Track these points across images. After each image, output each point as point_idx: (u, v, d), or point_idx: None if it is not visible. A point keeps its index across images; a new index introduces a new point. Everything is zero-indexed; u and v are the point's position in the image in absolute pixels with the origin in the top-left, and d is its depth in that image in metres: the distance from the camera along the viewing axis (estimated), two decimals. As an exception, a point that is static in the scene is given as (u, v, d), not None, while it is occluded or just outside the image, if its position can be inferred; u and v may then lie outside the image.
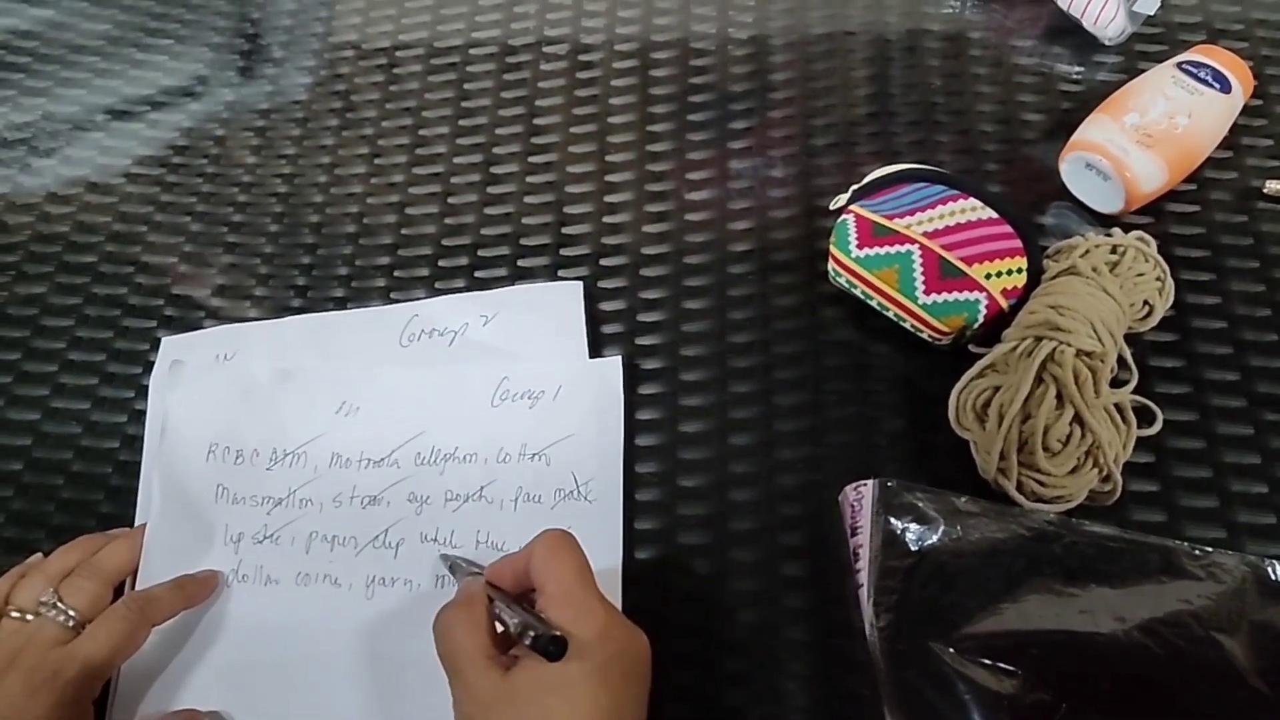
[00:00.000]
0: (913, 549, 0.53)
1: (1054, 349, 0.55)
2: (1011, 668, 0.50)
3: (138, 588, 0.57)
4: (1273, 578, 0.53)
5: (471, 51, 0.78)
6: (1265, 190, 0.65)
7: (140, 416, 0.65)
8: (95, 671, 0.52)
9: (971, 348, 0.60)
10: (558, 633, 0.45)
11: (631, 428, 0.62)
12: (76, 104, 0.78)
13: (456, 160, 0.73)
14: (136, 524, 0.61)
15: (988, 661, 0.50)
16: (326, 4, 0.82)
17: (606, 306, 0.66)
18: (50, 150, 0.76)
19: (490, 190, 0.72)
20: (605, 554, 0.57)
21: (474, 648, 0.47)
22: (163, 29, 0.82)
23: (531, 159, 0.73)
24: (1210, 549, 0.53)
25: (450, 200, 0.72)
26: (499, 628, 0.48)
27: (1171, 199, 0.66)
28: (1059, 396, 0.54)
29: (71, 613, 0.53)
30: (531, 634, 0.45)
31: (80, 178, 0.75)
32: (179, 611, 0.57)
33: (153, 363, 0.66)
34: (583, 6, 0.79)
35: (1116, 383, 0.57)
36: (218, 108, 0.78)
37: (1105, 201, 0.65)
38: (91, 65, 0.81)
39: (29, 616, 0.53)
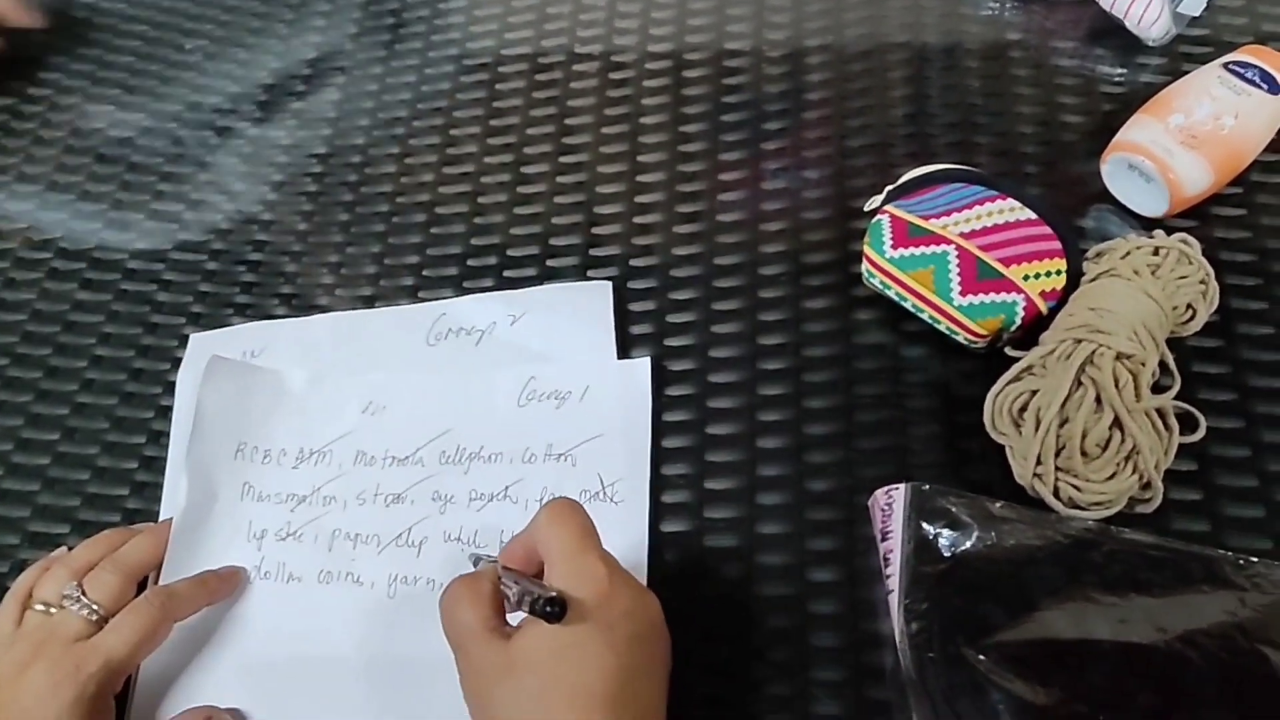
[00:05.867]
0: (945, 555, 0.52)
1: (1093, 351, 0.54)
2: (1046, 677, 0.48)
3: (161, 583, 0.57)
4: (1321, 590, 0.51)
5: (503, 53, 0.78)
6: (1314, 193, 0.64)
7: (167, 413, 0.65)
8: (117, 666, 0.52)
9: (1008, 351, 0.58)
10: (555, 594, 0.44)
11: (659, 429, 0.61)
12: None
13: (487, 160, 0.73)
14: (161, 520, 0.60)
15: (1022, 671, 0.48)
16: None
17: (636, 307, 0.65)
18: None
19: (520, 190, 0.71)
20: (630, 556, 0.56)
21: (476, 620, 0.46)
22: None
23: (562, 159, 0.72)
24: (1255, 559, 0.52)
25: (480, 200, 0.71)
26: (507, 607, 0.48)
27: (1217, 202, 0.64)
28: (1098, 400, 0.53)
29: (95, 606, 0.53)
30: (529, 598, 0.44)
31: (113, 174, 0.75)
32: (202, 607, 0.56)
33: (180, 360, 0.66)
34: (616, 11, 0.78)
35: (1158, 388, 0.55)
36: (249, 107, 0.78)
37: (1148, 204, 0.63)
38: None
39: (52, 610, 0.53)
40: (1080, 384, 0.54)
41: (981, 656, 0.49)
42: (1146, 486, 0.54)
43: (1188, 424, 0.56)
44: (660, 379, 0.62)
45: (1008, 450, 0.56)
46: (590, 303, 0.65)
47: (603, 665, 0.44)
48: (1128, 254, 0.58)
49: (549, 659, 0.44)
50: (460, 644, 0.47)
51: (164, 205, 0.74)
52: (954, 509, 0.53)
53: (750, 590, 0.56)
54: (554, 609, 0.44)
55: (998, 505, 0.53)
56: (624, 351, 0.63)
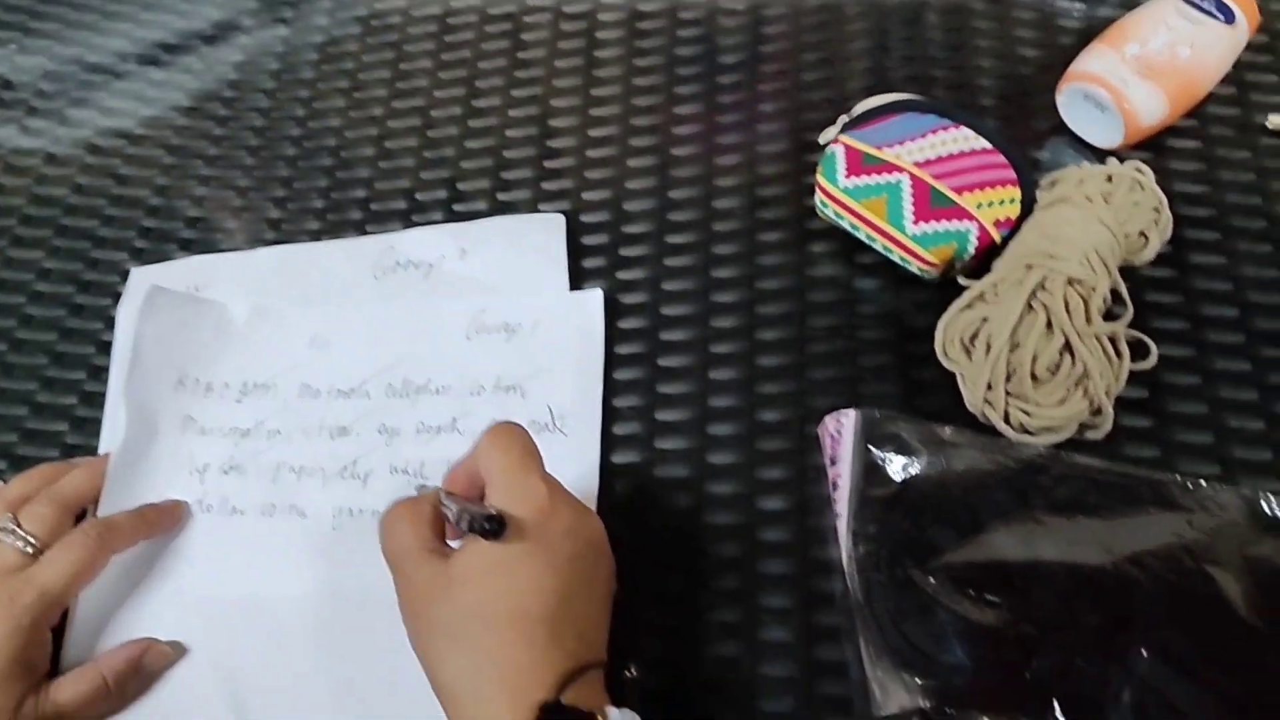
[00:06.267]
0: (894, 479, 0.51)
1: (1044, 277, 0.53)
2: (994, 598, 0.48)
3: (99, 516, 0.56)
4: (1267, 511, 0.51)
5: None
6: (1268, 125, 0.63)
7: (108, 348, 0.63)
8: (53, 598, 0.51)
9: (961, 280, 0.58)
10: (495, 512, 0.43)
11: (611, 362, 0.60)
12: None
13: (437, 94, 0.71)
14: (100, 454, 0.59)
15: (970, 592, 0.48)
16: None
17: (588, 240, 0.64)
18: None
19: (470, 124, 0.70)
20: (580, 487, 0.55)
21: (415, 540, 0.45)
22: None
23: (514, 92, 0.71)
24: (1203, 482, 0.51)
25: (430, 134, 0.70)
26: (449, 533, 0.47)
27: (1172, 135, 0.64)
28: (1048, 324, 0.53)
29: (30, 539, 0.52)
30: (468, 516, 0.43)
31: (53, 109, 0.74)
32: (141, 540, 0.55)
33: (121, 295, 0.64)
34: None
35: (1111, 317, 0.55)
36: (193, 42, 0.76)
37: (1103, 135, 0.63)
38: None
39: (-14, 542, 0.52)
40: (1031, 309, 0.53)
41: (929, 578, 0.48)
42: (1097, 413, 0.54)
43: (1140, 352, 0.56)
44: (612, 312, 0.61)
45: (959, 377, 0.55)
46: (542, 235, 0.64)
47: (541, 583, 0.43)
48: (1081, 182, 0.57)
49: (487, 576, 0.43)
50: (399, 564, 0.46)
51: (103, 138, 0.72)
52: (903, 434, 0.52)
53: (700, 519, 0.55)
54: (492, 525, 0.43)
55: (947, 430, 0.53)
56: (576, 284, 0.62)
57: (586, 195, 0.66)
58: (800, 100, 0.68)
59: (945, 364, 0.56)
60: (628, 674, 0.47)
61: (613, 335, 0.61)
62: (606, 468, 0.57)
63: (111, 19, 0.78)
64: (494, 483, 0.46)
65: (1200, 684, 0.46)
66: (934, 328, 0.57)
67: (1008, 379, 0.53)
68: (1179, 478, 0.52)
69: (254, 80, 0.74)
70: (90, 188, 0.70)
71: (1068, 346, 0.52)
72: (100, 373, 0.62)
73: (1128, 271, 0.58)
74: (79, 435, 0.61)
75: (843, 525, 0.51)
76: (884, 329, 0.60)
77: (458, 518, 0.45)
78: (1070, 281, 0.53)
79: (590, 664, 0.44)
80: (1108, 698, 0.47)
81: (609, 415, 0.58)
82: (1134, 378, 0.55)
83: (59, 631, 0.53)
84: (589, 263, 0.64)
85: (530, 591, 0.43)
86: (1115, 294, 0.57)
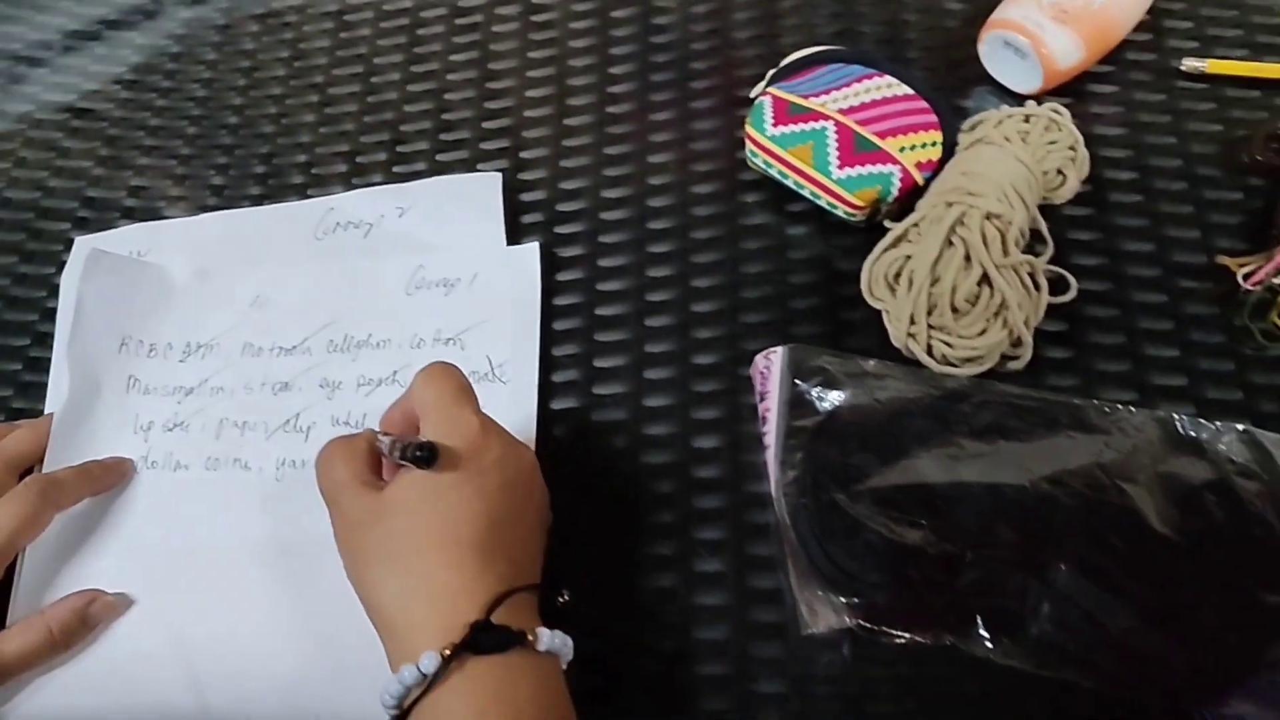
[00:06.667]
0: (819, 409, 0.53)
1: (963, 213, 0.55)
2: (917, 519, 0.49)
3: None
4: (1180, 431, 0.52)
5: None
6: (1183, 68, 0.65)
7: (52, 315, 0.64)
8: (-3, 551, 0.52)
9: (886, 224, 0.59)
10: (426, 441, 0.44)
11: (549, 313, 0.61)
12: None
13: (376, 61, 0.73)
14: (45, 415, 0.60)
15: (893, 513, 0.49)
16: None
17: (527, 197, 0.66)
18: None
19: (410, 88, 0.71)
20: (519, 431, 0.56)
21: (349, 474, 0.46)
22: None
23: (452, 57, 0.72)
24: (1119, 406, 0.53)
25: (370, 99, 0.71)
26: (385, 471, 0.48)
27: (1092, 80, 0.66)
28: (967, 258, 0.54)
29: (-28, 496, 0.53)
30: (400, 445, 0.45)
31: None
32: (85, 496, 0.56)
33: (65, 263, 0.65)
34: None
35: (1033, 255, 0.57)
36: (134, 17, 0.76)
37: (1024, 81, 0.64)
38: None
39: (-70, 499, 0.52)
40: (950, 244, 0.55)
41: (853, 502, 0.50)
42: (1018, 343, 0.55)
43: (1062, 289, 0.57)
44: (551, 265, 0.63)
45: (884, 315, 0.57)
46: (479, 193, 0.65)
47: (472, 509, 0.45)
48: (1000, 123, 0.59)
49: (419, 503, 0.44)
50: (334, 497, 0.47)
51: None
52: (829, 368, 0.54)
53: (637, 459, 0.57)
54: (424, 453, 0.44)
55: (871, 363, 0.54)
56: (515, 240, 0.64)
57: (524, 154, 0.67)
58: (732, 58, 0.70)
59: (871, 302, 0.57)
60: (560, 599, 0.48)
61: (551, 287, 0.62)
62: (547, 414, 0.58)
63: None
64: (427, 417, 0.47)
65: (1115, 593, 0.48)
66: (861, 270, 0.58)
67: (929, 312, 0.54)
68: (1096, 402, 0.54)
69: (195, 52, 0.74)
70: (33, 161, 0.70)
71: (986, 278, 0.54)
72: (45, 339, 0.63)
73: (1049, 210, 0.60)
74: (24, 400, 0.62)
75: (771, 456, 0.52)
76: (813, 273, 0.61)
77: (390, 448, 0.46)
78: (988, 216, 0.55)
79: (522, 587, 0.45)
80: (1028, 610, 0.48)
81: (549, 364, 0.60)
82: (1055, 311, 0.57)
83: (5, 586, 0.53)
84: (528, 218, 0.65)
85: (461, 517, 0.44)
86: (1036, 233, 0.58)
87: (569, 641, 0.45)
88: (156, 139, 0.71)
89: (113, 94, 0.73)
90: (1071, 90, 0.65)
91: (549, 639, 0.44)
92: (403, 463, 0.45)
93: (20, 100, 0.73)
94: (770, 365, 0.55)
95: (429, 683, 0.41)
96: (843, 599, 0.49)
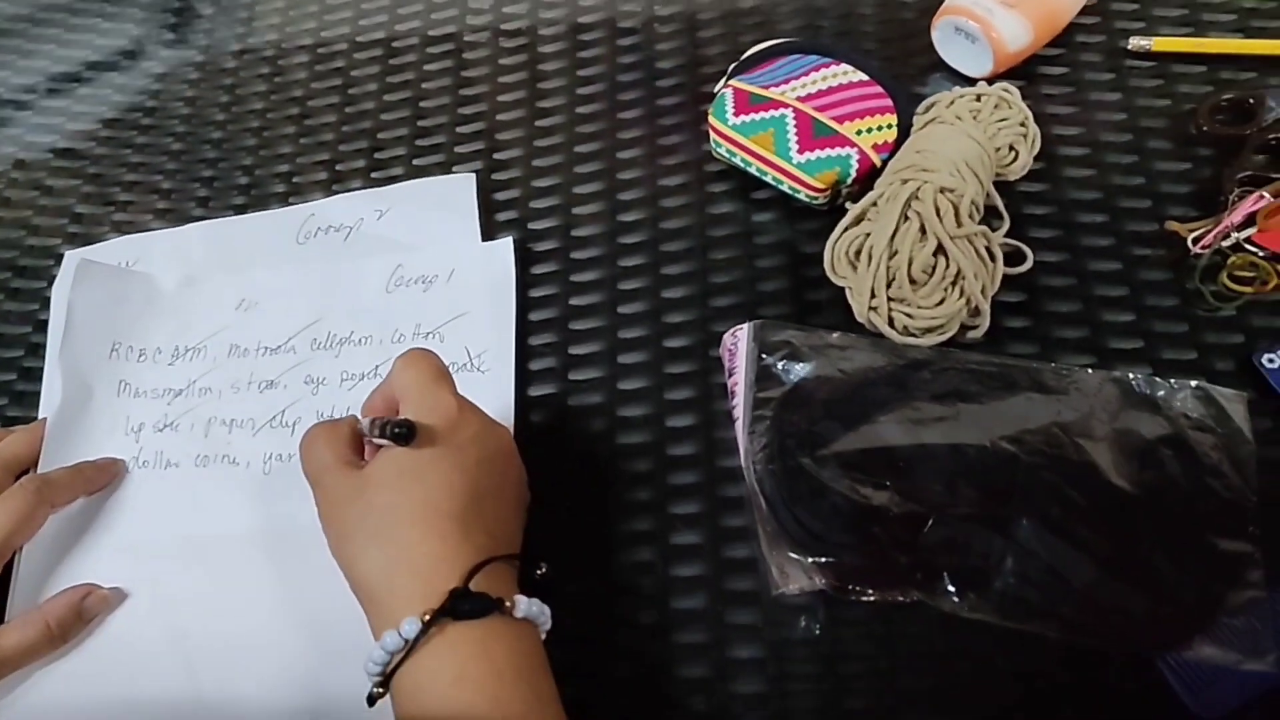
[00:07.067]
0: (785, 381, 0.54)
1: (917, 188, 0.57)
2: (881, 481, 0.51)
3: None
4: (1135, 389, 0.54)
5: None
6: (1130, 47, 0.67)
7: (44, 326, 0.66)
8: (-6, 549, 0.53)
9: (847, 205, 0.61)
10: (405, 419, 0.46)
11: (526, 305, 0.63)
12: None
13: (354, 73, 0.75)
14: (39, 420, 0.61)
15: (858, 476, 0.51)
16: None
17: (501, 196, 0.68)
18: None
19: (386, 98, 0.73)
20: (500, 417, 0.58)
21: (332, 455, 0.48)
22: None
23: (427, 67, 0.74)
24: (1076, 368, 0.55)
25: (348, 110, 0.73)
26: (367, 454, 0.50)
27: (1042, 62, 0.68)
28: (922, 230, 0.56)
29: (-31, 497, 0.54)
30: (379, 424, 0.46)
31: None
32: (79, 495, 0.58)
33: (55, 276, 0.67)
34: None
35: (990, 229, 0.59)
36: (113, 58, 0.79)
37: (976, 65, 0.67)
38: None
39: (-74, 501, 0.54)
40: (906, 218, 0.57)
41: (819, 466, 0.52)
42: (976, 313, 0.57)
43: (1019, 261, 0.59)
44: (526, 259, 0.65)
45: (847, 292, 0.59)
46: (454, 194, 0.67)
47: (450, 483, 0.46)
48: (952, 103, 0.61)
49: (399, 478, 0.46)
50: (317, 478, 0.49)
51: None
52: (794, 341, 0.56)
53: (614, 440, 0.58)
54: (403, 430, 0.46)
55: (835, 335, 0.56)
56: (490, 236, 0.66)
57: (498, 155, 0.69)
58: (696, 56, 0.72)
59: (834, 280, 0.59)
60: (538, 572, 0.49)
61: (527, 280, 0.64)
62: (525, 400, 0.60)
63: (35, 41, 0.81)
64: (406, 398, 0.49)
65: (1076, 545, 0.50)
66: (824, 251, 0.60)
67: (889, 285, 0.56)
68: (1053, 365, 0.55)
69: (174, 89, 0.76)
70: (22, 181, 0.73)
71: (941, 249, 0.56)
72: (38, 349, 0.65)
73: (1004, 187, 0.62)
74: (19, 408, 0.64)
75: (740, 427, 0.54)
76: (779, 256, 0.63)
77: (370, 428, 0.48)
78: (941, 190, 0.57)
79: (500, 557, 0.46)
80: (993, 565, 0.50)
81: (526, 353, 0.61)
82: (1013, 282, 0.59)
83: (3, 583, 0.55)
84: (502, 216, 0.67)
85: (440, 491, 0.46)
86: (993, 209, 0.60)
87: (546, 610, 0.47)
88: (143, 156, 0.73)
89: (99, 114, 0.75)
90: (1023, 73, 0.67)
91: (526, 606, 0.45)
92: (382, 441, 0.47)
93: (5, 143, 0.75)
94: (737, 341, 0.56)
95: (410, 647, 0.43)
96: (811, 560, 0.50)
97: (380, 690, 0.44)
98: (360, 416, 0.51)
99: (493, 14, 0.76)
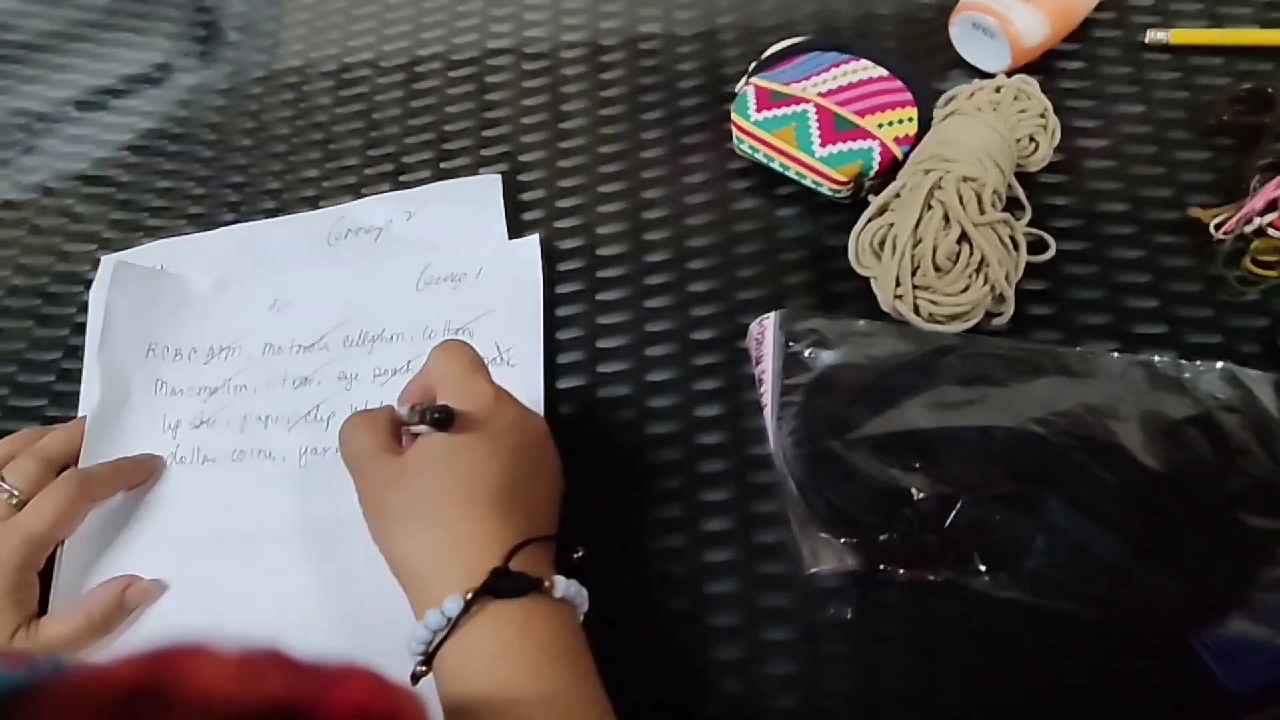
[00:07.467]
0: (813, 368, 0.55)
1: (940, 178, 0.58)
2: (911, 463, 0.52)
3: (78, 470, 0.59)
4: (1162, 372, 0.55)
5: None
6: (1146, 41, 0.68)
7: (82, 329, 0.67)
8: (37, 542, 0.54)
9: (870, 198, 0.62)
10: (444, 405, 0.47)
11: (553, 300, 0.64)
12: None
13: (379, 80, 0.76)
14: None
15: (888, 458, 0.52)
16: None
17: (527, 196, 0.69)
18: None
19: (412, 104, 0.75)
20: (529, 410, 0.59)
21: (372, 443, 0.49)
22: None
23: (451, 74, 0.76)
24: (1102, 352, 0.55)
25: (374, 116, 0.74)
26: (405, 441, 0.51)
27: (1061, 58, 0.69)
28: (945, 218, 0.57)
29: (14, 490, 0.55)
30: (418, 410, 0.47)
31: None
32: (119, 490, 0.59)
33: (92, 280, 0.68)
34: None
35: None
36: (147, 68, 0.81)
37: (994, 60, 0.68)
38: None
39: (-28, 496, 0.55)
40: (929, 207, 0.57)
41: (848, 449, 0.52)
42: (1000, 300, 0.58)
43: (1042, 249, 0.60)
44: (552, 256, 0.66)
45: (872, 282, 0.59)
46: (481, 194, 0.68)
47: (488, 467, 0.47)
48: (971, 95, 0.62)
49: (438, 462, 0.47)
50: (358, 465, 0.49)
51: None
52: (820, 329, 0.56)
53: (642, 430, 0.59)
54: (442, 415, 0.47)
55: (861, 323, 0.57)
56: (517, 235, 0.67)
57: (523, 158, 0.71)
58: (716, 58, 0.73)
59: (859, 270, 0.60)
60: (575, 555, 0.50)
61: (554, 277, 0.65)
62: (554, 393, 0.61)
63: (59, 70, 0.82)
64: (443, 385, 0.50)
65: (1106, 525, 0.50)
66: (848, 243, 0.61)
67: (914, 273, 0.57)
68: (1078, 349, 0.56)
69: (204, 99, 0.78)
70: (59, 190, 0.74)
71: (965, 237, 0.56)
72: (76, 352, 0.66)
73: (1026, 179, 0.63)
74: (58, 409, 0.65)
75: (769, 413, 0.55)
76: (803, 250, 0.64)
77: (409, 414, 0.49)
78: (964, 179, 0.57)
79: (539, 538, 0.47)
80: (1022, 546, 0.50)
81: (554, 347, 0.62)
82: (1036, 271, 0.59)
83: (46, 576, 0.56)
84: (528, 215, 0.68)
85: (478, 475, 0.47)
86: (1015, 200, 0.61)
87: (584, 591, 0.47)
88: (176, 163, 0.74)
89: (132, 125, 0.77)
90: (1041, 67, 0.68)
91: (565, 586, 0.46)
92: (421, 428, 0.48)
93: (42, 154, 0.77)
94: (764, 331, 0.57)
95: (452, 625, 0.43)
96: (842, 540, 0.51)
97: (424, 669, 0.44)
98: (398, 404, 0.52)
99: (513, 37, 0.78)
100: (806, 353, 0.56)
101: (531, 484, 0.49)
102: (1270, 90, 0.63)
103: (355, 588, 0.55)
